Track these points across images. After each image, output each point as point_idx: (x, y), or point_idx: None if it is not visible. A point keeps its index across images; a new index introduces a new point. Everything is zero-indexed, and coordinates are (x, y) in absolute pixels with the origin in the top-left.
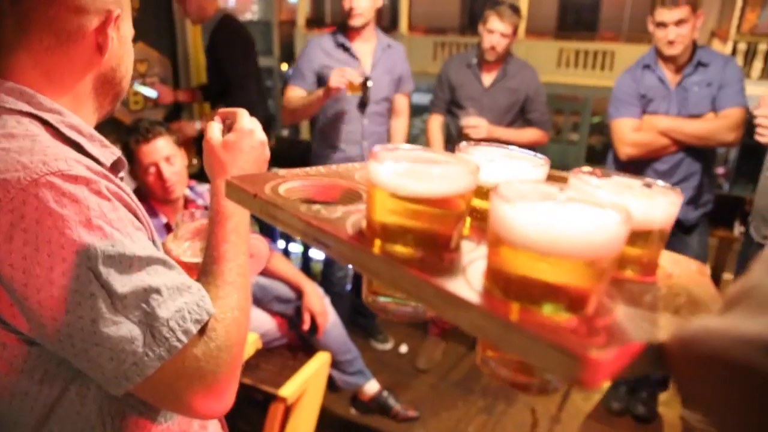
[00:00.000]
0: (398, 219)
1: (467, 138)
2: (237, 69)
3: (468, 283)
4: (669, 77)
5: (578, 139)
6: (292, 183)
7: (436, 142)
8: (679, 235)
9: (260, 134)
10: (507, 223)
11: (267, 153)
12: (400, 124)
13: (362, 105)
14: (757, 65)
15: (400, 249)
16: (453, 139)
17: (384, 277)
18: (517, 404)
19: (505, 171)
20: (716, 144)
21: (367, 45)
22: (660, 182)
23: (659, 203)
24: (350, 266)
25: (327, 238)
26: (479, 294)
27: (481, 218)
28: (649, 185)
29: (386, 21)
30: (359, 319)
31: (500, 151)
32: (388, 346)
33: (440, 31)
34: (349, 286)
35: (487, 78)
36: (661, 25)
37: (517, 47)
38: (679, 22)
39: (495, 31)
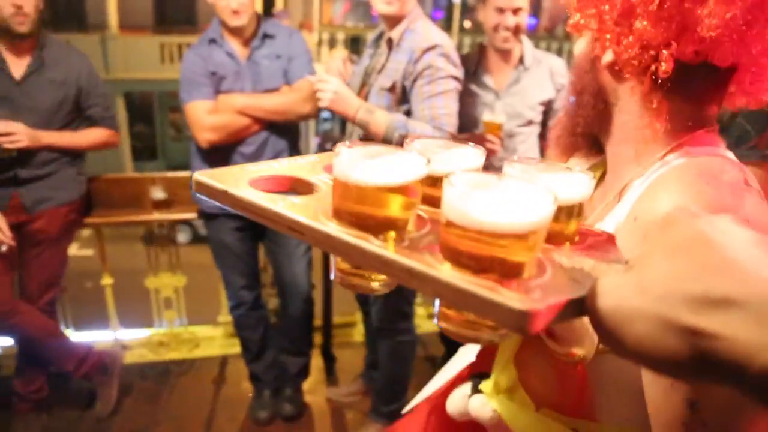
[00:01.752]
0: (363, 208)
1: (3, 150)
2: None
3: (425, 257)
4: (238, 51)
5: None
6: (261, 176)
7: None
8: None
9: None
10: (456, 208)
11: None
12: None
13: None
14: (340, 50)
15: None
16: None
17: (354, 259)
18: None
19: (450, 160)
20: (295, 118)
21: None
22: (577, 167)
23: (579, 182)
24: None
25: (302, 227)
26: (436, 266)
27: (428, 203)
28: (569, 168)
29: None
30: None
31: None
32: None
33: None
34: None
35: (18, 67)
36: None
37: (113, 44)
38: None
39: None
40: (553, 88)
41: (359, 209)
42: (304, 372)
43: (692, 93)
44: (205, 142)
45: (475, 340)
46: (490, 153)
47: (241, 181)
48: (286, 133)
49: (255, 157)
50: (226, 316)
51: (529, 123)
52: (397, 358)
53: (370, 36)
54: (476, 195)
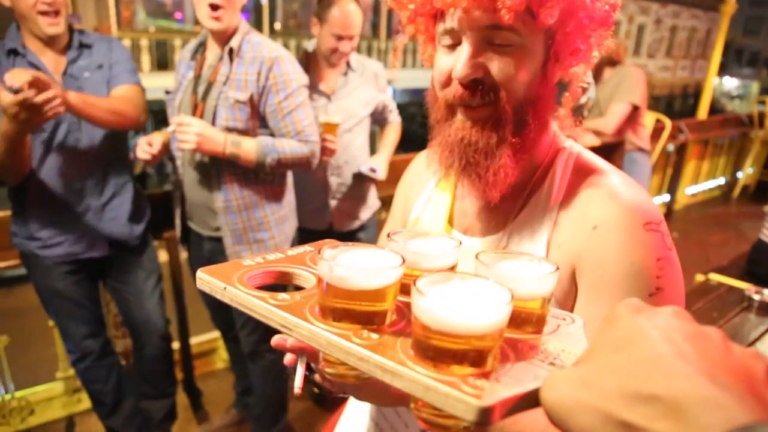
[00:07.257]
0: (344, 305)
1: None
2: None
3: (397, 354)
4: (50, 64)
5: None
6: (254, 271)
7: None
8: (130, 259)
9: None
10: (424, 312)
11: None
12: None
13: None
14: (145, 59)
15: (346, 326)
16: None
17: (336, 354)
18: None
19: (429, 255)
20: (131, 123)
21: None
22: (543, 260)
23: (543, 278)
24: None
25: (290, 324)
26: (406, 362)
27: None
28: (539, 260)
29: None
30: None
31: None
32: None
33: None
34: None
35: None
36: None
37: None
38: None
39: None
40: (378, 88)
41: (340, 306)
42: (170, 415)
43: None
44: None
45: (446, 428)
46: (329, 152)
47: (237, 276)
48: (124, 168)
49: (96, 194)
50: (66, 370)
51: (361, 121)
52: (273, 378)
53: (178, 42)
54: (441, 300)
